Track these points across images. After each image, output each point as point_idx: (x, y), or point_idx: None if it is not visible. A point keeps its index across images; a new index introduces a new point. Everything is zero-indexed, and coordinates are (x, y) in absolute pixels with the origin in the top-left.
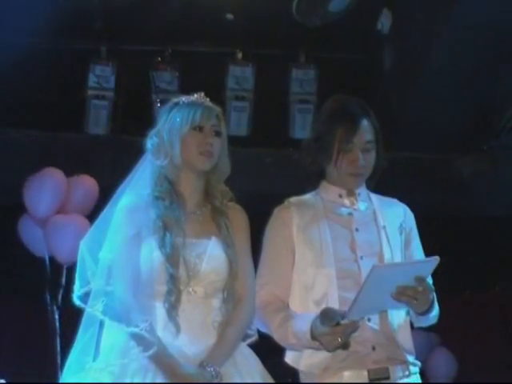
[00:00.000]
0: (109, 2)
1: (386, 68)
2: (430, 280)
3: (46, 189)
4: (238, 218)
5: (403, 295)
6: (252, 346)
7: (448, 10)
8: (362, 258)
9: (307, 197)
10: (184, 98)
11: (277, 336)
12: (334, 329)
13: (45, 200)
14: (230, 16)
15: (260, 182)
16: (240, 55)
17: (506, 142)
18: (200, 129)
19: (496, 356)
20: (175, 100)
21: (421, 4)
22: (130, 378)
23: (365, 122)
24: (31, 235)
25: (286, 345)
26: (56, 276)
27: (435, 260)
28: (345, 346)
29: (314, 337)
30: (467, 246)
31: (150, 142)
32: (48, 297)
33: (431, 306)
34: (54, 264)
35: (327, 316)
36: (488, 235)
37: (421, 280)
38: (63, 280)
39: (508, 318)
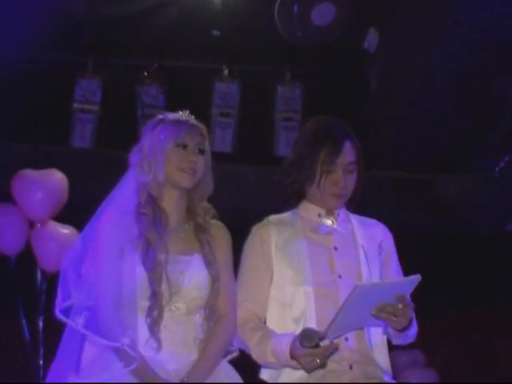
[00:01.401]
0: (96, 17)
1: (372, 87)
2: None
3: (47, 189)
4: (221, 236)
5: (382, 312)
6: (231, 361)
7: (434, 30)
8: (340, 276)
9: (286, 215)
10: (169, 115)
11: (255, 354)
12: (313, 351)
13: (45, 201)
14: (216, 32)
15: (243, 199)
16: (226, 72)
17: (491, 163)
18: (184, 146)
19: (480, 376)
20: (160, 116)
21: (407, 24)
22: None
23: (348, 144)
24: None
25: (263, 363)
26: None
27: (417, 278)
28: (322, 365)
29: (292, 356)
30: (451, 265)
31: (134, 158)
32: (19, 303)
33: (410, 324)
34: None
35: (307, 337)
36: (473, 255)
37: (401, 298)
38: (44, 287)
39: (492, 339)
